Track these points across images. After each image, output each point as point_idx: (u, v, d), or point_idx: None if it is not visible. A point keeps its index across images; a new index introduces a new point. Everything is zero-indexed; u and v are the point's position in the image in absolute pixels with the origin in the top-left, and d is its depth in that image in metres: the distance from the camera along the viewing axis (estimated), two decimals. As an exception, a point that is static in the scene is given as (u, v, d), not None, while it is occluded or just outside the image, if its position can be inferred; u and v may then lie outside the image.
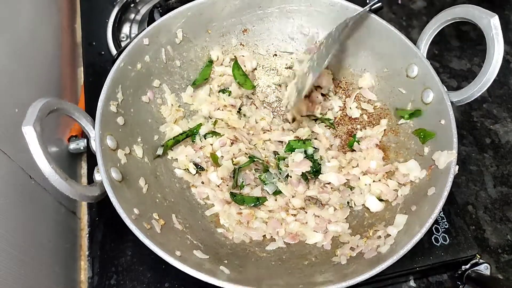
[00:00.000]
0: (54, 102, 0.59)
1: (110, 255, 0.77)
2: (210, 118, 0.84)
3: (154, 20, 0.90)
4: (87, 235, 0.88)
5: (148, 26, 0.78)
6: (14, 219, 0.64)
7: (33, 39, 0.85)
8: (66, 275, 0.79)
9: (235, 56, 0.87)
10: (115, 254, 0.77)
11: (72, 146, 0.91)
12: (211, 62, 0.86)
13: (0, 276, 0.57)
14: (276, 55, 0.91)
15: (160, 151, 0.76)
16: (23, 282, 0.63)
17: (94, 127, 0.66)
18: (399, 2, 1.01)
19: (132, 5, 1.11)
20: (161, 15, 0.92)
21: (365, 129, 0.84)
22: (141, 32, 0.77)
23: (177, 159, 0.78)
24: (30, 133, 0.54)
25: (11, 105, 0.70)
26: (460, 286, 0.78)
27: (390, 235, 0.66)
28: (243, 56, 0.88)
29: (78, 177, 0.96)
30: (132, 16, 1.09)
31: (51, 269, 0.73)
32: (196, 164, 0.78)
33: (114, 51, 1.01)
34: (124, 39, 1.05)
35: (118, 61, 0.72)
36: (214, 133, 0.82)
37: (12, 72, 0.73)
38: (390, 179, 0.76)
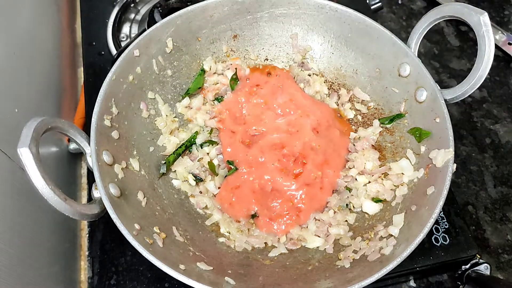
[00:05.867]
0: (48, 121, 0.58)
1: (110, 255, 0.77)
2: (206, 127, 0.83)
3: (154, 20, 0.91)
4: (87, 235, 0.88)
5: (148, 26, 0.78)
6: (14, 219, 0.63)
7: (33, 39, 0.84)
8: (66, 275, 0.79)
9: (235, 69, 0.87)
10: (115, 254, 0.77)
11: (72, 146, 0.91)
12: (203, 70, 0.86)
13: (0, 276, 0.57)
14: (267, 59, 0.91)
15: (163, 169, 0.76)
16: (23, 282, 0.63)
17: (89, 144, 0.65)
18: (399, 2, 1.02)
19: (132, 5, 1.11)
20: (161, 15, 0.92)
21: (360, 129, 0.85)
22: (130, 43, 0.76)
23: (175, 170, 0.78)
24: (26, 155, 0.53)
25: (11, 105, 0.69)
26: (460, 286, 0.79)
27: (391, 235, 0.67)
28: (234, 64, 0.87)
29: (78, 177, 0.96)
30: (132, 16, 1.09)
31: (51, 269, 0.73)
32: (194, 175, 0.78)
33: (114, 51, 1.01)
34: (124, 39, 1.05)
35: (109, 74, 0.72)
36: (210, 142, 0.81)
37: (12, 72, 0.72)
38: (386, 179, 0.76)
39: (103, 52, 1.02)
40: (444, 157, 0.67)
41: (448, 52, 1.09)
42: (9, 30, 0.73)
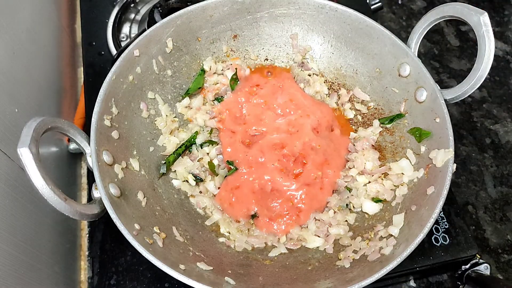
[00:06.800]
0: (48, 121, 0.58)
1: (110, 255, 0.77)
2: (206, 127, 0.83)
3: (154, 20, 0.91)
4: (87, 235, 0.89)
5: (148, 26, 0.78)
6: (14, 219, 0.63)
7: (33, 39, 0.84)
8: (66, 275, 0.79)
9: (235, 69, 0.87)
10: (115, 254, 0.77)
11: (72, 146, 0.91)
12: (203, 70, 0.86)
13: (0, 276, 0.57)
14: (267, 59, 0.91)
15: (163, 169, 0.76)
16: (23, 282, 0.63)
17: (89, 144, 0.65)
18: (399, 2, 1.02)
19: (132, 5, 1.11)
20: (161, 15, 0.92)
21: (360, 129, 0.85)
22: (130, 43, 0.76)
23: (175, 170, 0.78)
24: (26, 155, 0.53)
25: (11, 105, 0.69)
26: (460, 286, 0.79)
27: (391, 235, 0.67)
28: (234, 64, 0.88)
29: (78, 177, 0.96)
30: (132, 16, 1.09)
31: (51, 269, 0.73)
32: (194, 176, 0.78)
33: (114, 51, 1.01)
34: (124, 39, 1.05)
35: (109, 74, 0.72)
36: (210, 142, 0.81)
37: (12, 72, 0.72)
38: (386, 179, 0.77)
39: (103, 52, 1.02)
40: (444, 157, 0.67)
41: (448, 52, 1.09)
42: (9, 30, 0.73)
